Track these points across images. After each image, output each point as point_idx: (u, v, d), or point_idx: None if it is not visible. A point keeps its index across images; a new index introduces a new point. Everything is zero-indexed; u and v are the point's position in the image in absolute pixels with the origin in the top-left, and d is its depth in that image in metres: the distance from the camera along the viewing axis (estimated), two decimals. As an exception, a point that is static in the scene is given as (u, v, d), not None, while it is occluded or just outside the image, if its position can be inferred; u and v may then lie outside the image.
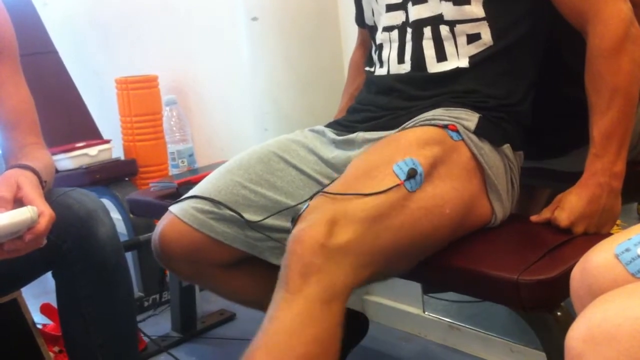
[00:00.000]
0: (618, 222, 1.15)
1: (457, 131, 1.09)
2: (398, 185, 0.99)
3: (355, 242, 0.94)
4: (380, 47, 1.29)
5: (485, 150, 1.11)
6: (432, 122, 1.11)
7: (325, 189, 1.01)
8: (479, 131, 1.11)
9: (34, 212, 0.97)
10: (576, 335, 0.63)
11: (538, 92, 1.24)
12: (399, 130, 1.14)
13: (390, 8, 1.25)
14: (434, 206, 1.02)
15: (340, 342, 0.95)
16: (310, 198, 1.02)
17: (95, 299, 1.17)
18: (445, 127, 1.09)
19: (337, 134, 1.26)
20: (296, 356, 0.91)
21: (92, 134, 2.46)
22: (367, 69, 1.35)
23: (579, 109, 1.14)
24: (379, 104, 1.24)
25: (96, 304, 1.17)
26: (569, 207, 1.09)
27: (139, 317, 1.99)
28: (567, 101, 1.24)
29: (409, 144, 1.06)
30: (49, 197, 1.08)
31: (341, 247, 0.93)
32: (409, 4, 1.21)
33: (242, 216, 1.19)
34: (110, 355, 1.20)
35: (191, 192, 1.26)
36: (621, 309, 0.62)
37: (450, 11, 1.17)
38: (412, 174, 1.00)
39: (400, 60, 1.23)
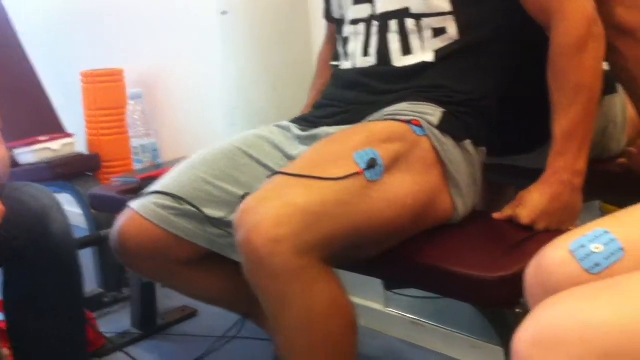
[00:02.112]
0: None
1: (421, 126, 1.09)
2: (357, 173, 0.98)
3: (307, 227, 0.93)
4: (346, 41, 1.28)
5: (448, 145, 1.11)
6: (396, 117, 1.10)
7: (282, 169, 1.00)
8: (442, 126, 1.11)
9: None
10: (524, 338, 0.62)
11: (505, 89, 1.24)
12: (363, 123, 1.13)
13: (357, 1, 1.24)
14: (394, 197, 1.02)
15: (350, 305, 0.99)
16: (267, 178, 1.01)
17: (47, 294, 1.15)
18: (408, 122, 1.09)
19: (302, 130, 1.25)
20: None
21: (55, 128, 2.40)
22: (333, 63, 1.34)
23: (544, 106, 1.14)
24: (345, 99, 1.24)
25: (48, 299, 1.15)
26: (530, 204, 1.09)
27: (98, 314, 1.96)
28: (532, 98, 1.25)
29: (371, 136, 1.06)
30: (1, 191, 1.05)
31: (294, 233, 0.92)
32: None
33: (202, 212, 1.17)
34: (59, 350, 1.18)
35: (152, 188, 1.23)
36: (571, 312, 0.61)
37: (416, 4, 1.17)
38: (372, 164, 1.00)
39: (365, 53, 1.22)
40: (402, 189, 1.04)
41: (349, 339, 1.01)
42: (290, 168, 1.01)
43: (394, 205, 1.02)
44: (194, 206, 1.17)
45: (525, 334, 0.62)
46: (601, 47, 1.11)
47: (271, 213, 0.92)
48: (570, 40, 1.09)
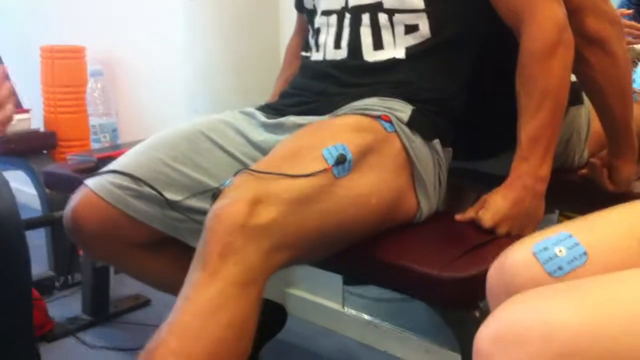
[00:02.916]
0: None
1: (390, 122, 1.08)
2: (326, 170, 0.97)
3: (277, 223, 0.92)
4: (317, 32, 1.26)
5: (417, 143, 1.10)
6: (365, 111, 1.09)
7: (251, 167, 0.98)
8: (411, 124, 1.10)
9: None
10: (485, 335, 0.62)
11: (470, 93, 1.24)
12: (332, 116, 1.11)
13: None
14: (360, 195, 1.01)
15: (255, 328, 0.92)
16: (235, 175, 0.99)
17: None
18: (378, 117, 1.08)
19: (268, 117, 1.23)
20: (209, 340, 0.88)
21: (10, 103, 2.33)
22: (303, 53, 1.33)
23: (509, 112, 1.14)
24: (313, 89, 1.22)
25: None
26: (493, 207, 1.09)
27: (48, 298, 1.91)
28: (498, 104, 1.25)
29: (341, 129, 1.05)
30: None
31: (261, 227, 0.90)
32: None
33: (162, 194, 1.14)
34: (4, 334, 1.12)
35: (109, 167, 1.19)
36: (531, 312, 0.61)
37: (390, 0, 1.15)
38: (341, 160, 0.98)
39: (337, 45, 1.21)
40: (369, 187, 1.03)
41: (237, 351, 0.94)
42: (259, 165, 1.00)
43: (359, 203, 1.01)
44: (153, 188, 1.14)
45: (486, 332, 0.62)
46: (570, 54, 1.11)
47: (241, 205, 0.90)
48: (539, 45, 1.09)
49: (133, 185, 1.15)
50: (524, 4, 1.10)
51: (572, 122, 1.39)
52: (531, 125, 1.09)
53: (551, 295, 0.62)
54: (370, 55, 1.18)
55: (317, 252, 1.03)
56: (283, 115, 1.20)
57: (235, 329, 0.89)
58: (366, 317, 1.79)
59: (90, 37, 2.41)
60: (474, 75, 1.24)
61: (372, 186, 1.03)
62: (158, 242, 1.22)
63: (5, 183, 1.09)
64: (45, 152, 2.17)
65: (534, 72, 1.09)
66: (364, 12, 1.18)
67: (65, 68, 2.30)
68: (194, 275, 0.91)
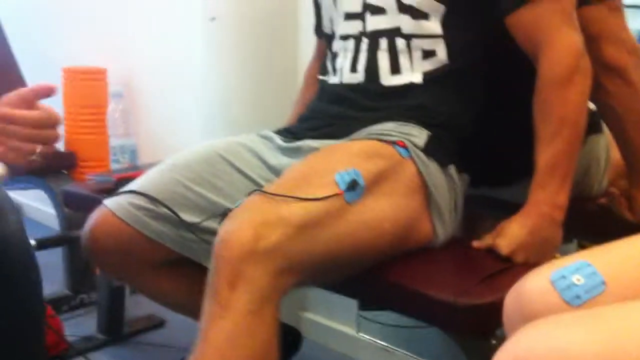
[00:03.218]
0: (557, 255, 1.15)
1: (406, 147, 1.08)
2: (337, 194, 0.97)
3: (284, 245, 0.92)
4: (335, 56, 1.27)
5: (432, 169, 1.10)
6: (381, 137, 1.09)
7: (263, 189, 0.99)
8: (427, 149, 1.10)
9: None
10: None
11: (487, 119, 1.24)
12: (347, 140, 1.12)
13: (348, 17, 1.23)
14: (373, 220, 1.01)
15: (277, 350, 0.93)
16: (247, 196, 0.99)
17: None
18: (393, 143, 1.08)
19: (285, 141, 1.24)
20: None
21: (33, 123, 2.36)
22: (320, 77, 1.33)
23: (527, 139, 1.14)
24: (330, 113, 1.23)
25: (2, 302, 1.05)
26: (510, 235, 1.08)
27: (63, 317, 1.91)
28: (516, 131, 1.25)
29: (355, 154, 1.05)
30: None
31: (269, 250, 0.91)
32: (367, 14, 1.20)
33: (177, 215, 1.14)
34: (16, 355, 1.10)
35: (128, 187, 1.21)
36: (549, 338, 0.60)
37: (408, 25, 1.16)
38: (353, 185, 0.98)
39: (353, 69, 1.22)
40: (382, 212, 1.02)
41: None
42: (271, 187, 1.00)
43: (371, 228, 1.01)
44: (169, 209, 1.15)
45: (503, 358, 0.61)
46: (587, 82, 1.11)
47: (249, 226, 0.92)
48: (557, 72, 1.09)
49: (150, 206, 1.16)
50: (541, 31, 1.10)
51: (590, 150, 1.38)
52: (548, 152, 1.08)
53: (568, 323, 0.61)
54: (387, 79, 1.18)
55: (328, 275, 1.03)
56: (300, 139, 1.21)
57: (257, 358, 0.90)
58: (381, 342, 1.77)
59: (111, 59, 2.44)
60: (492, 101, 1.24)
61: (385, 211, 1.03)
62: (174, 263, 1.22)
63: (11, 203, 1.08)
64: (64, 171, 2.19)
65: (550, 99, 1.09)
66: (381, 36, 1.19)
67: (87, 89, 2.32)
68: (208, 307, 0.93)
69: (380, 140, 1.09)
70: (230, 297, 0.90)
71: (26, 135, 0.90)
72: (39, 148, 0.91)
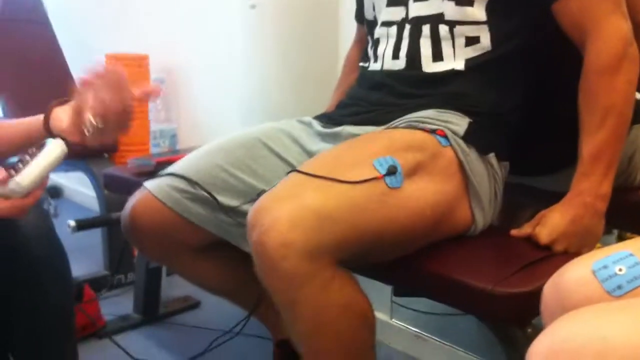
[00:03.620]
0: (598, 245, 1.13)
1: (445, 136, 1.07)
2: (377, 178, 0.96)
3: (319, 232, 0.91)
4: (377, 42, 1.27)
5: (472, 157, 1.09)
6: (421, 125, 1.09)
7: (300, 168, 0.98)
8: (467, 137, 1.09)
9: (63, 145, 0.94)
10: (539, 350, 0.61)
11: (531, 108, 1.23)
12: (387, 128, 1.11)
13: (390, 3, 1.23)
14: (414, 206, 1.00)
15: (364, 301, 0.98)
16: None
17: (18, 300, 1.05)
18: (433, 132, 1.07)
19: (324, 127, 1.24)
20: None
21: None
22: (361, 64, 1.33)
23: (571, 128, 1.12)
24: (369, 100, 1.22)
25: (20, 306, 1.06)
26: (551, 224, 1.07)
27: (102, 296, 1.95)
28: (560, 119, 1.23)
29: (393, 143, 1.04)
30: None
31: (301, 239, 0.90)
32: (410, 1, 1.19)
33: (215, 199, 1.16)
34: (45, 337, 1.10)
35: (168, 170, 1.22)
36: (588, 328, 0.59)
37: (451, 11, 1.15)
38: (392, 171, 0.98)
39: (395, 56, 1.21)
40: (422, 198, 1.02)
41: (362, 338, 0.99)
42: (308, 167, 0.99)
43: (412, 214, 1.00)
44: (207, 192, 1.16)
45: (540, 347, 0.61)
46: (635, 70, 1.08)
47: (285, 215, 0.90)
48: (603, 60, 1.07)
49: (189, 188, 1.18)
50: (588, 18, 1.08)
51: (635, 140, 1.35)
52: (593, 142, 1.07)
53: (609, 312, 0.61)
54: (429, 66, 1.17)
55: (365, 259, 1.02)
56: (339, 125, 1.21)
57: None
58: (414, 329, 1.77)
59: (153, 45, 2.47)
60: (536, 90, 1.22)
61: (426, 198, 1.02)
62: (211, 245, 1.24)
63: (39, 206, 1.05)
64: (105, 155, 2.23)
65: (597, 87, 1.07)
66: (424, 23, 1.17)
67: (130, 75, 2.32)
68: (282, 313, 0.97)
69: (420, 129, 1.08)
70: (296, 297, 0.92)
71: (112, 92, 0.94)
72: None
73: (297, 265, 0.89)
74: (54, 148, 0.93)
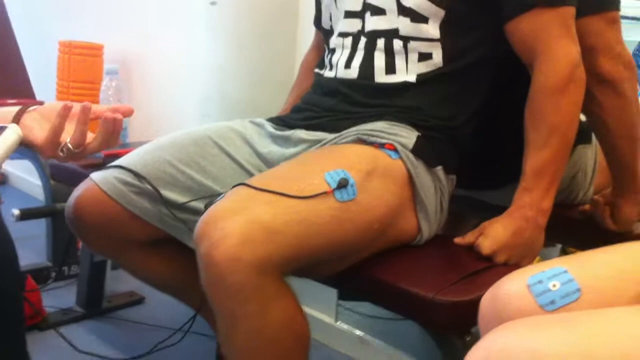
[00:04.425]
0: (538, 258, 1.16)
1: (395, 150, 1.08)
2: (327, 192, 0.97)
3: (270, 249, 0.91)
4: (332, 52, 1.28)
5: (420, 169, 1.10)
6: (371, 138, 1.10)
7: (248, 181, 0.97)
8: (415, 150, 1.10)
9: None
10: (475, 358, 0.62)
11: (479, 124, 1.25)
12: (337, 137, 1.12)
13: (348, 15, 1.24)
14: (364, 220, 1.01)
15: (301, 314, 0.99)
16: (232, 188, 0.99)
17: None
18: (381, 146, 1.09)
19: (276, 129, 1.24)
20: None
21: (25, 93, 2.34)
22: (316, 71, 1.34)
23: (517, 145, 1.15)
24: (323, 106, 1.23)
25: None
26: (493, 235, 1.09)
27: (43, 288, 1.91)
28: (506, 137, 1.26)
29: (344, 156, 1.05)
30: None
31: (251, 254, 0.89)
32: (367, 14, 1.20)
33: (159, 193, 1.15)
34: None
35: (116, 162, 1.21)
36: (523, 338, 0.61)
37: (406, 27, 1.16)
38: (343, 184, 0.98)
39: (347, 65, 1.22)
40: (371, 211, 1.02)
41: (299, 357, 1.00)
42: (259, 181, 0.98)
43: (361, 227, 1.01)
44: (152, 185, 1.15)
45: (476, 355, 0.62)
46: (581, 92, 1.12)
47: (235, 230, 0.89)
48: (551, 81, 1.10)
49: (135, 182, 1.16)
50: (539, 39, 1.10)
51: (578, 160, 1.40)
52: (537, 159, 1.09)
53: (541, 325, 0.62)
54: (382, 77, 1.18)
55: (313, 271, 1.03)
56: (291, 128, 1.21)
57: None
58: (358, 332, 1.79)
59: (108, 35, 2.43)
60: (484, 107, 1.25)
61: (374, 211, 1.02)
62: (157, 241, 1.23)
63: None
64: (53, 144, 2.18)
65: (543, 107, 1.10)
66: (379, 37, 1.18)
67: (82, 64, 2.29)
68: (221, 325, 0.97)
69: (369, 144, 1.09)
70: (238, 312, 0.92)
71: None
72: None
73: (245, 279, 0.89)
74: (10, 134, 0.91)
